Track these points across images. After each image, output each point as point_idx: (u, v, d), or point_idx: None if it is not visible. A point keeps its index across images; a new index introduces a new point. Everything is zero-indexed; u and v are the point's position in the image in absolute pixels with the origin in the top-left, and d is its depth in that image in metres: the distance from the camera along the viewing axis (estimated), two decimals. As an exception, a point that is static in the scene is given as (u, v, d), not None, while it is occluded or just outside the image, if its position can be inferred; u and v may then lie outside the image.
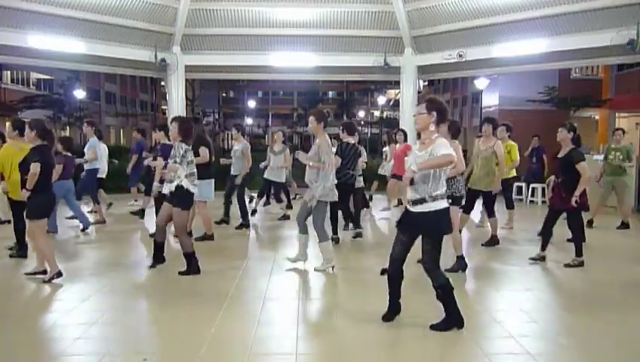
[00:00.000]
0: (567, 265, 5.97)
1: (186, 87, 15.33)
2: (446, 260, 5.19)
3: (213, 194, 7.47)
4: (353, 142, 7.31)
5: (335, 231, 7.24)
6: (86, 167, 8.97)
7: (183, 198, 5.50)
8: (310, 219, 5.69)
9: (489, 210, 7.19)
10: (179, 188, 5.44)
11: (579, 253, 6.01)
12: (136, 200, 10.86)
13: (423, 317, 4.18)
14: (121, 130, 43.16)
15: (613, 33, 10.21)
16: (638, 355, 3.70)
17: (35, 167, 5.16)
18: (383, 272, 4.22)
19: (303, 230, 5.78)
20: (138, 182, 10.31)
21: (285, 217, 9.35)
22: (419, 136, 4.09)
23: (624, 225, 8.65)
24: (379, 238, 8.19)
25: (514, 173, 8.46)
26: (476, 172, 6.89)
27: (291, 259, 5.93)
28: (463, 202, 6.08)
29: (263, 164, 9.35)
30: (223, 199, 8.54)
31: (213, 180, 7.30)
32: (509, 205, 8.52)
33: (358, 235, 7.60)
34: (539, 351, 3.64)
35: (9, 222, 7.59)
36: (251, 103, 54.51)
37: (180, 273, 5.47)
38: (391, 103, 47.50)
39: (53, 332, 4.02)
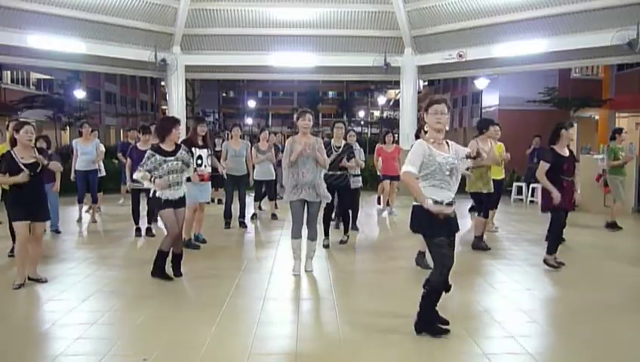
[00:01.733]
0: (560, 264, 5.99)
1: (186, 87, 15.35)
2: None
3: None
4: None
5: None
6: (90, 167, 8.93)
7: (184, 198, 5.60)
8: (306, 218, 5.59)
9: (487, 210, 7.15)
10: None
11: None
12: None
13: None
14: (122, 130, 43.16)
15: (613, 33, 10.23)
16: (639, 355, 3.70)
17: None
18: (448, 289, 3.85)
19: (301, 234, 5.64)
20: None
21: (274, 216, 9.37)
22: (417, 136, 4.03)
23: (615, 226, 8.62)
24: (378, 239, 8.19)
25: (501, 175, 8.15)
26: (483, 174, 6.81)
27: (297, 272, 5.64)
28: None
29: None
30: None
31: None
32: (495, 206, 8.35)
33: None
34: (539, 351, 3.64)
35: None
36: (251, 103, 54.51)
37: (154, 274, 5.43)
38: (391, 103, 47.51)
39: (53, 332, 4.02)
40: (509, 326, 4.09)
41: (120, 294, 4.94)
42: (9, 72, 28.18)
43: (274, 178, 9.31)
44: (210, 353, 3.58)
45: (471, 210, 9.53)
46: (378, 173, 10.13)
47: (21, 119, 5.64)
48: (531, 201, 12.07)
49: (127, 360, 3.51)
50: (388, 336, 3.90)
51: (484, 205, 6.99)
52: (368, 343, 3.79)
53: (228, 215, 8.47)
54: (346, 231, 7.37)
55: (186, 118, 16.00)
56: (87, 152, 8.92)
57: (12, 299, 4.83)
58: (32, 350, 3.71)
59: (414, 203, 3.79)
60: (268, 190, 9.47)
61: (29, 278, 5.18)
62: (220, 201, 9.89)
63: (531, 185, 12.12)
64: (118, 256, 6.59)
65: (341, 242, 7.20)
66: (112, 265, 6.09)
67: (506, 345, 3.77)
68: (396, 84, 15.62)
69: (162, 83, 22.28)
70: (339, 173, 7.01)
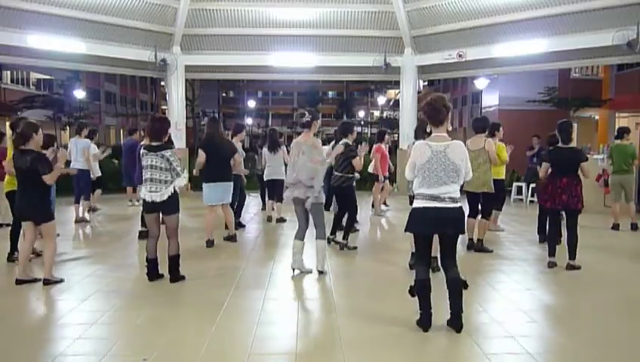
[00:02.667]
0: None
1: (186, 87, 15.35)
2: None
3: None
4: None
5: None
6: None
7: None
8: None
9: (488, 211, 7.00)
10: None
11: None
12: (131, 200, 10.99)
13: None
14: (122, 130, 43.19)
15: (613, 33, 10.23)
16: (638, 355, 3.70)
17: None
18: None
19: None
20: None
21: (282, 220, 9.03)
22: (429, 134, 3.96)
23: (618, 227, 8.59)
24: (378, 239, 8.19)
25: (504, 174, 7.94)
26: (476, 174, 6.71)
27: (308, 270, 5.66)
28: None
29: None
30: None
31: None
32: (499, 206, 8.27)
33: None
34: (539, 351, 3.64)
35: (7, 225, 7.61)
36: (251, 103, 54.50)
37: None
38: (391, 103, 47.50)
39: (53, 332, 4.02)
40: (509, 326, 4.09)
41: (120, 294, 4.94)
42: (9, 72, 28.19)
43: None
44: (210, 353, 3.58)
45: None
46: (378, 172, 9.81)
47: (33, 119, 5.62)
48: (531, 201, 12.07)
49: (127, 360, 3.51)
50: (388, 337, 3.90)
51: (485, 205, 6.85)
52: (368, 343, 3.78)
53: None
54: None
55: (186, 118, 16.02)
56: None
57: (12, 299, 4.83)
58: (32, 350, 3.71)
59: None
60: (278, 190, 8.85)
61: (20, 280, 5.20)
62: None
63: (531, 185, 12.12)
64: (118, 256, 6.59)
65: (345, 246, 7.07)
66: (112, 264, 6.08)
67: (506, 345, 3.77)
68: (396, 84, 15.62)
69: (162, 83, 22.28)
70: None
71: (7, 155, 6.41)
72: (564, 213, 6.02)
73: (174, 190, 5.14)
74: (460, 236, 4.06)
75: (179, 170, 5.12)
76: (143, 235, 7.64)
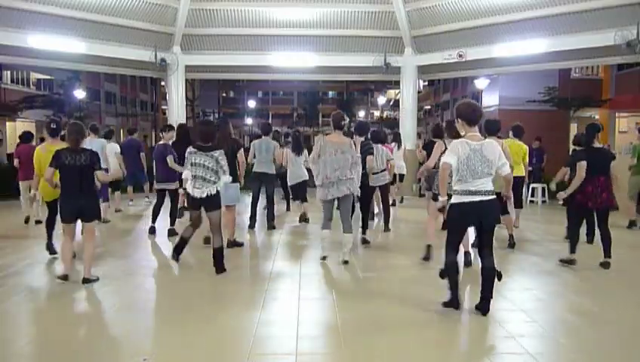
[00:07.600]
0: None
1: (186, 87, 15.34)
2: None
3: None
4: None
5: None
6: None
7: None
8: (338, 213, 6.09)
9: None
10: None
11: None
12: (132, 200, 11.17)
13: (424, 318, 4.19)
14: (121, 130, 43.18)
15: (613, 33, 10.23)
16: (638, 355, 3.70)
17: None
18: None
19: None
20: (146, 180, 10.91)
21: (306, 220, 8.91)
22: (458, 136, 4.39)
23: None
24: (379, 238, 8.18)
25: (522, 172, 8.02)
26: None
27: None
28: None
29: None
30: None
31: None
32: (518, 204, 8.47)
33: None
34: (539, 351, 3.64)
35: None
36: (251, 103, 54.50)
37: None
38: (391, 103, 47.50)
39: (53, 332, 4.01)
40: (509, 326, 4.09)
41: (120, 294, 4.94)
42: (9, 72, 28.14)
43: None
44: (211, 353, 3.58)
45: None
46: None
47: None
48: (531, 201, 12.08)
49: (127, 360, 3.51)
50: (387, 337, 3.90)
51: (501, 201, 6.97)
52: (369, 343, 3.79)
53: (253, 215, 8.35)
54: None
55: (186, 118, 16.02)
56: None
57: (13, 299, 4.83)
58: (32, 350, 3.71)
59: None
60: (302, 191, 8.94)
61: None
62: None
63: (531, 185, 12.12)
64: (119, 256, 6.58)
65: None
66: (112, 264, 6.09)
67: (506, 345, 3.77)
68: (396, 84, 15.61)
69: (162, 83, 22.28)
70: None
71: (34, 154, 6.20)
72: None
73: (216, 190, 5.50)
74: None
75: (225, 169, 5.56)
76: (152, 231, 7.71)
